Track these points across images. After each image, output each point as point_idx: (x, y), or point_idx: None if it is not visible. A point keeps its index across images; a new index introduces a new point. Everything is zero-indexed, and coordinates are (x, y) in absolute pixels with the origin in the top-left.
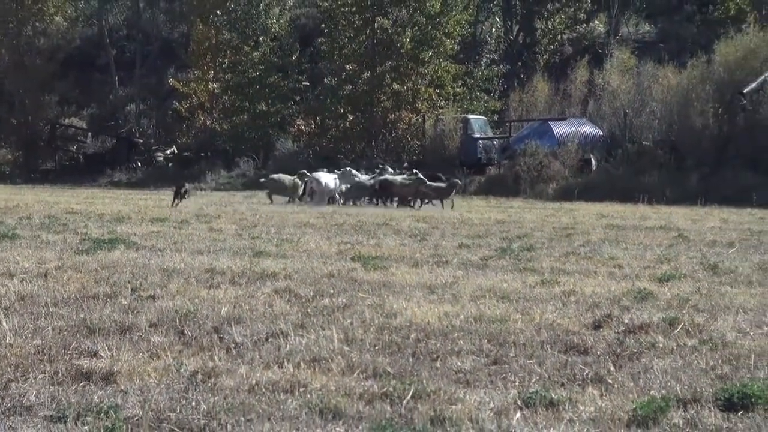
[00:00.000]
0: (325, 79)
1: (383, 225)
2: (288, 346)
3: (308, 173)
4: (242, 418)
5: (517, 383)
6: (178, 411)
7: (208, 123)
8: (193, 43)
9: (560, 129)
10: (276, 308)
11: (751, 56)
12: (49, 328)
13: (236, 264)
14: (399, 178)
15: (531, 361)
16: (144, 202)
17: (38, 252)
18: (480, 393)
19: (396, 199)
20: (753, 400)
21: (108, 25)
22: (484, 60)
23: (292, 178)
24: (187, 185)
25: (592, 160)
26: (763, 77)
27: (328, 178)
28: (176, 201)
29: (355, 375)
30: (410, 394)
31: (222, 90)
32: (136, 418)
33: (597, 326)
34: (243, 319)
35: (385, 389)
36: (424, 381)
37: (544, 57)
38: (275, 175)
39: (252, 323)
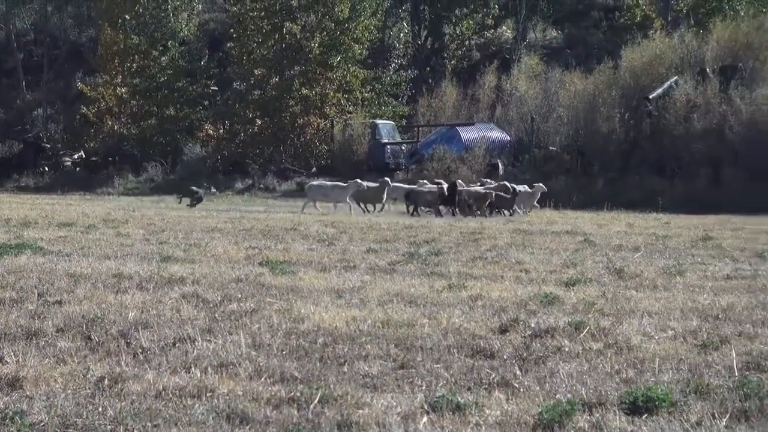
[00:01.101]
0: (234, 84)
1: (291, 230)
2: (195, 351)
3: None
4: (149, 424)
5: (424, 387)
6: (84, 417)
7: (116, 128)
8: (101, 47)
9: (468, 134)
10: (183, 313)
11: (656, 62)
12: None
13: (144, 269)
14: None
15: (438, 366)
16: (51, 207)
17: None
18: (387, 397)
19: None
20: (657, 403)
21: (15, 29)
22: (393, 65)
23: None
24: (200, 190)
25: (500, 165)
26: (668, 83)
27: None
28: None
29: (263, 380)
30: (317, 399)
31: (130, 94)
32: (42, 424)
33: (504, 330)
34: (150, 324)
35: (292, 394)
36: (332, 386)
37: (452, 62)
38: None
39: (159, 328)
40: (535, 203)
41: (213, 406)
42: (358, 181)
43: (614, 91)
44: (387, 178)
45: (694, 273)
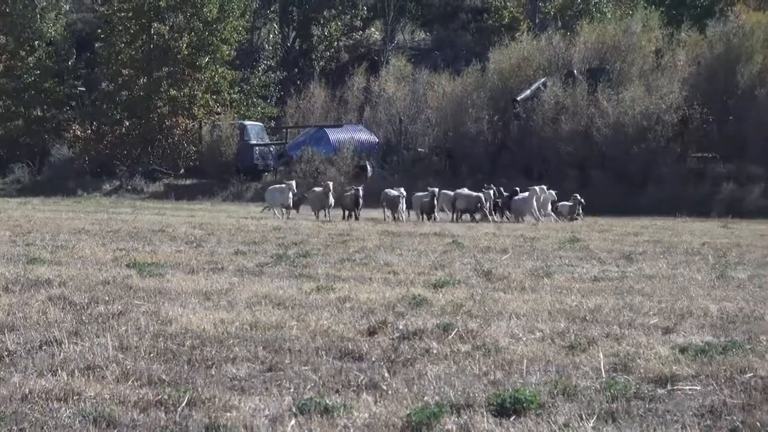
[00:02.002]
0: (102, 85)
1: (159, 231)
2: (62, 354)
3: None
4: (15, 428)
5: (292, 390)
6: None
7: None
8: None
9: (336, 135)
10: (50, 316)
11: (524, 64)
12: None
13: (9, 271)
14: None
15: (306, 368)
16: None
17: None
18: (255, 400)
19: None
20: (525, 405)
21: None
22: (261, 66)
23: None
24: None
25: (368, 166)
26: (536, 85)
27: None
28: None
29: (130, 383)
30: (185, 402)
31: None
32: None
33: (372, 332)
34: (16, 326)
35: (159, 397)
36: (199, 388)
37: (321, 63)
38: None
39: (25, 331)
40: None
41: (80, 409)
42: (291, 183)
43: (482, 92)
44: (435, 189)
45: (561, 275)
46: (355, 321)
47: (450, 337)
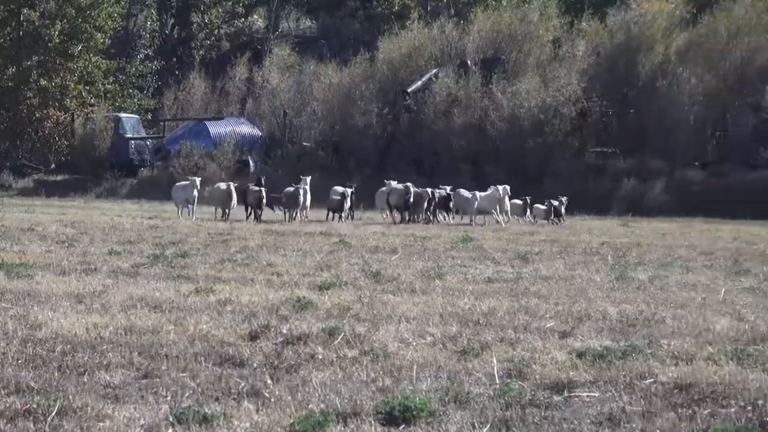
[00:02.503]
0: None
1: (28, 230)
2: None
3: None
4: None
5: (169, 398)
6: None
7: None
8: None
9: (217, 129)
10: None
11: (415, 54)
12: None
13: None
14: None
15: (184, 375)
16: None
17: None
18: (130, 409)
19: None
20: (415, 413)
21: None
22: (138, 55)
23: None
24: None
25: (250, 161)
26: (428, 76)
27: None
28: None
29: None
30: (55, 411)
31: None
32: None
33: (254, 337)
34: None
35: (28, 406)
36: (71, 397)
37: (201, 53)
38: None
39: None
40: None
41: None
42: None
43: (371, 84)
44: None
45: (454, 276)
46: (236, 325)
47: (336, 341)
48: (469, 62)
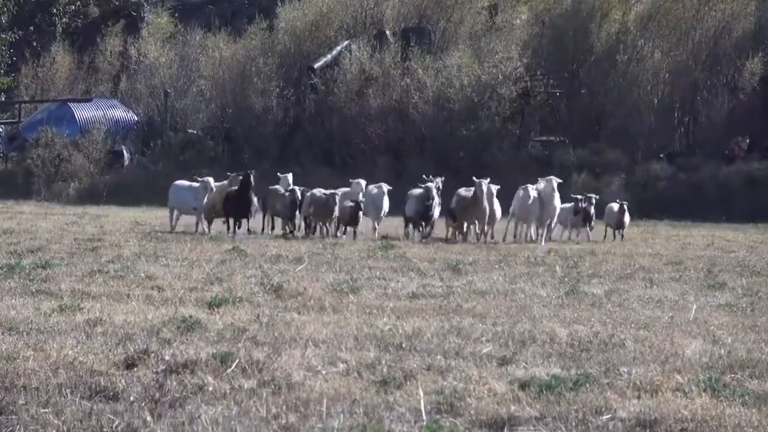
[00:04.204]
0: None
1: None
2: None
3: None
4: None
5: None
6: None
7: None
8: None
9: (84, 112)
10: None
11: (323, 22)
12: None
13: None
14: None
15: (46, 411)
16: None
17: None
18: None
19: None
20: None
21: None
22: None
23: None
24: None
25: (125, 152)
26: (338, 49)
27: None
28: None
29: None
30: None
31: None
32: None
33: (130, 365)
34: None
35: None
36: None
37: (64, 21)
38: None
39: None
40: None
41: None
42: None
43: (270, 58)
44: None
45: (371, 290)
46: (109, 350)
47: (230, 370)
48: (387, 32)
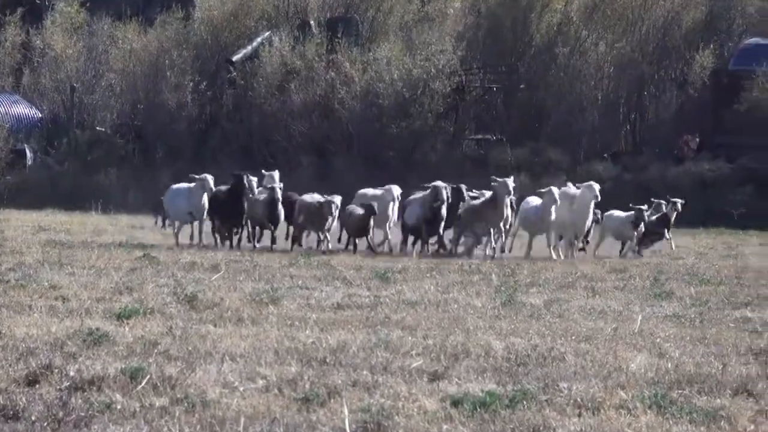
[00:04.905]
0: None
1: None
2: None
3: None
4: None
5: None
6: None
7: None
8: None
9: None
10: None
11: (242, 12)
12: None
13: None
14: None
15: None
16: None
17: None
18: None
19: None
20: None
21: None
22: None
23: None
24: None
25: (27, 151)
26: (258, 40)
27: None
28: None
29: None
30: None
31: None
32: None
33: (32, 381)
34: None
35: None
36: None
37: None
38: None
39: None
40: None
41: None
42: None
43: (185, 50)
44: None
45: (293, 300)
46: (9, 365)
47: (140, 386)
48: (311, 23)
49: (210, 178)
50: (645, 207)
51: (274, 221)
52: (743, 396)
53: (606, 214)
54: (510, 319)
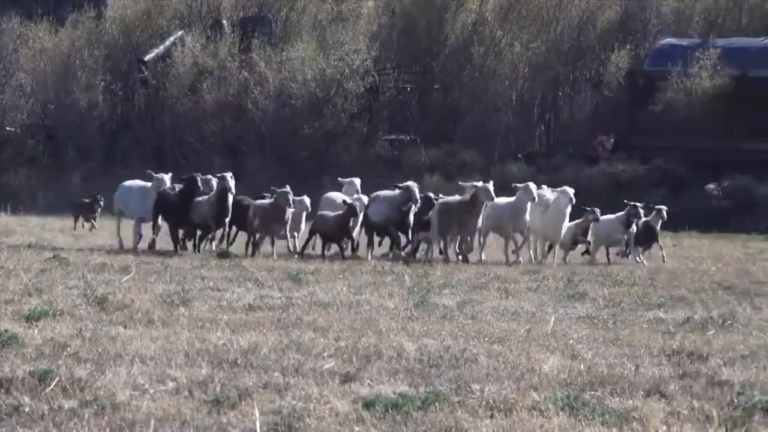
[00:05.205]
0: None
1: None
2: None
3: None
4: None
5: None
6: None
7: None
8: None
9: None
10: None
11: (155, 11)
12: None
13: None
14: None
15: None
16: None
17: None
18: None
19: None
20: None
21: None
22: None
23: None
24: None
25: None
26: (170, 39)
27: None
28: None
29: None
30: None
31: None
32: None
33: None
34: None
35: None
36: None
37: None
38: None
39: None
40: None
41: None
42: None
43: (97, 50)
44: None
45: (204, 302)
46: None
47: (49, 389)
48: (224, 22)
49: (167, 178)
50: (641, 204)
51: (219, 224)
52: (655, 397)
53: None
54: (423, 321)
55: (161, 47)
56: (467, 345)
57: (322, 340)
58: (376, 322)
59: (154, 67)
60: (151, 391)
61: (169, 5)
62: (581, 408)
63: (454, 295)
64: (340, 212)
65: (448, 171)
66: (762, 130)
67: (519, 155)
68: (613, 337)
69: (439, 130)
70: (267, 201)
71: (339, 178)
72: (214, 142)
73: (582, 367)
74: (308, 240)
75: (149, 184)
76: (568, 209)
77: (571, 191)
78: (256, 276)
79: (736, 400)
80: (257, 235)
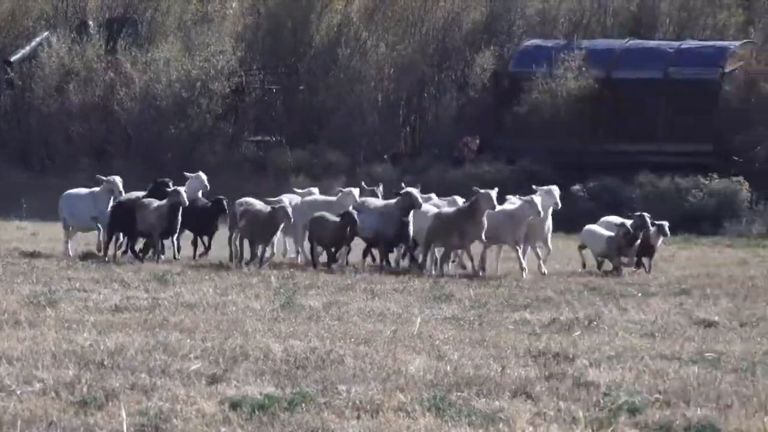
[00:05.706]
0: None
1: None
2: None
3: None
4: None
5: None
6: None
7: None
8: None
9: None
10: None
11: (20, 12)
12: None
13: None
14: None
15: None
16: None
17: None
18: None
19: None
20: None
21: None
22: None
23: None
24: None
25: None
26: (36, 40)
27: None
28: None
29: None
30: None
31: None
32: None
33: None
34: None
35: None
36: None
37: None
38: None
39: None
40: None
41: None
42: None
43: None
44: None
45: (70, 303)
46: None
47: None
48: (90, 23)
49: (119, 180)
50: (648, 215)
51: (171, 230)
52: (522, 398)
53: (585, 229)
54: (289, 322)
55: (27, 48)
56: (333, 346)
57: (188, 341)
58: (242, 323)
59: (20, 69)
60: (18, 392)
61: (34, 6)
62: (448, 409)
63: (320, 296)
64: (341, 219)
65: (313, 172)
66: (627, 131)
67: (385, 156)
68: (479, 338)
69: (304, 131)
70: (263, 208)
71: (339, 188)
72: (80, 143)
73: (448, 368)
74: (312, 248)
75: (98, 188)
76: (550, 210)
77: (557, 192)
78: (122, 277)
79: (601, 401)
80: (238, 236)
